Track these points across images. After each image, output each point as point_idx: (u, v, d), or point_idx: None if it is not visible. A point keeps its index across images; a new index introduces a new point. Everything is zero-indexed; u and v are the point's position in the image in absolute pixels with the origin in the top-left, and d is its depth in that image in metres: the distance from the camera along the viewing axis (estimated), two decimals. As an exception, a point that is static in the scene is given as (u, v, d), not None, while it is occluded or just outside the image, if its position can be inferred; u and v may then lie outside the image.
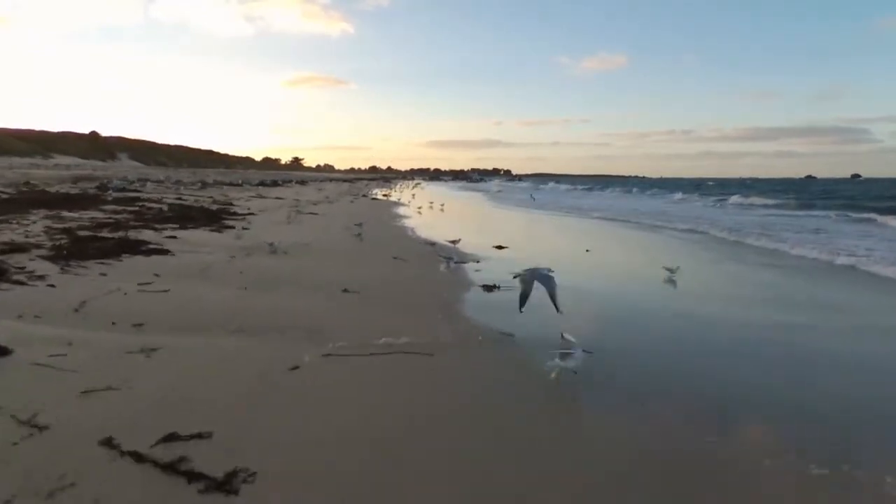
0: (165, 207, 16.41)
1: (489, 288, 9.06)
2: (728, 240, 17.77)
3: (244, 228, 13.71)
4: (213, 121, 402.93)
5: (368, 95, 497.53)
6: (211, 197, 22.89)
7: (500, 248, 14.44)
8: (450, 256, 11.10)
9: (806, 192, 57.96)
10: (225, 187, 32.02)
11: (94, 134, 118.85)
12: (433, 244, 13.21)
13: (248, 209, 19.33)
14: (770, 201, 41.75)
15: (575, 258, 13.56)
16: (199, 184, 29.86)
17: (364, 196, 38.47)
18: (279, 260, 10.02)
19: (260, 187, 35.15)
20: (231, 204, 20.64)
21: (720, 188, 73.72)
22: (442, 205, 31.58)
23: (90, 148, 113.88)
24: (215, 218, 15.28)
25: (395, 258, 11.35)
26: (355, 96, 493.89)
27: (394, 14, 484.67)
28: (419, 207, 28.14)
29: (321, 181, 71.84)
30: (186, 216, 14.83)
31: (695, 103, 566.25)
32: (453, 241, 13.79)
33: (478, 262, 11.76)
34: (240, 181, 36.96)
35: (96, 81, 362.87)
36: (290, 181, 51.30)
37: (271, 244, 10.66)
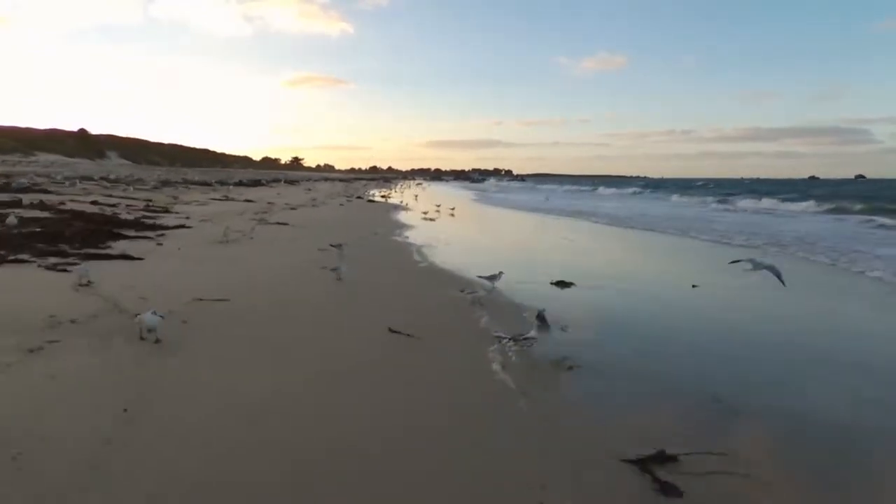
0: (18, 219, 10.40)
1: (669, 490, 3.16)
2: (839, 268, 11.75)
3: (131, 258, 7.78)
4: (213, 121, 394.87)
5: (368, 95, 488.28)
6: (148, 200, 16.99)
7: (562, 285, 8.67)
8: (530, 338, 5.28)
9: (829, 193, 50.02)
10: (191, 187, 26.10)
11: (82, 132, 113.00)
12: (474, 295, 7.16)
13: (186, 218, 13.45)
14: (804, 204, 35.20)
15: (691, 304, 7.76)
16: (155, 183, 24.04)
17: (359, 198, 32.52)
18: (121, 363, 4.09)
19: (233, 187, 29.24)
20: (167, 210, 14.75)
21: (733, 189, 65.05)
22: (452, 209, 25.77)
23: (78, 146, 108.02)
24: (106, 234, 9.39)
25: (393, 332, 5.46)
26: (355, 96, 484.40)
27: (393, 14, 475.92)
28: (425, 213, 22.25)
29: (315, 181, 65.91)
30: (52, 233, 8.94)
31: (695, 103, 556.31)
32: (490, 277, 7.89)
33: (564, 328, 5.94)
34: (213, 181, 31.15)
35: (96, 81, 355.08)
36: (278, 181, 45.18)
37: (135, 316, 4.74)
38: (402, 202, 29.43)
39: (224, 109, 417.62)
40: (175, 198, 19.25)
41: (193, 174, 44.34)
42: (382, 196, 37.68)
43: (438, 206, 26.98)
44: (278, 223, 14.64)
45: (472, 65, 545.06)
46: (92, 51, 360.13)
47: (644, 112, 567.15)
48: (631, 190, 67.62)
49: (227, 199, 21.88)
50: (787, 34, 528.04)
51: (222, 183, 30.00)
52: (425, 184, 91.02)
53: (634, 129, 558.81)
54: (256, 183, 35.87)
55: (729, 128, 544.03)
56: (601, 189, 70.63)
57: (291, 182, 46.21)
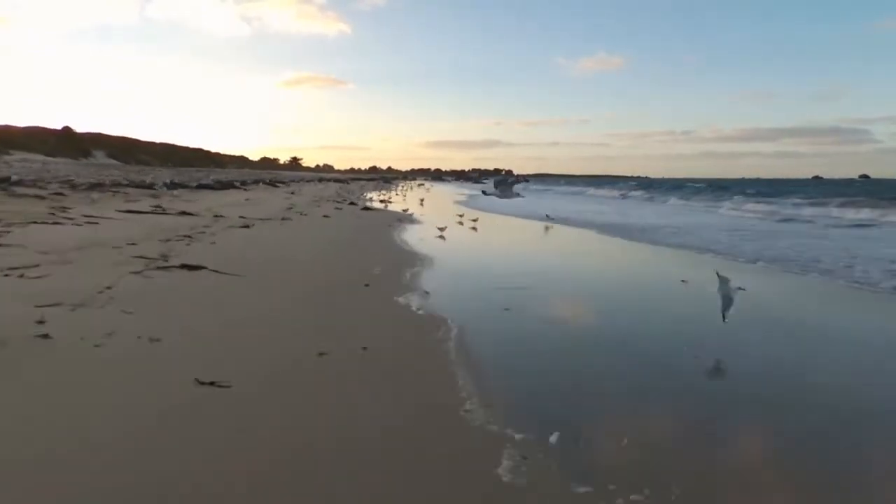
0: None
1: None
2: None
3: None
4: (213, 121, 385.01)
5: (367, 96, 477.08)
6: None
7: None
8: None
9: (868, 194, 41.24)
10: (120, 192, 19.01)
11: (66, 129, 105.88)
12: None
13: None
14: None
15: None
16: (59, 186, 16.99)
17: (353, 204, 25.49)
18: None
19: (191, 192, 22.21)
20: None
21: (758, 190, 55.82)
22: (474, 220, 18.97)
23: (61, 144, 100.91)
24: None
25: None
26: (354, 96, 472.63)
27: (390, 14, 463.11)
28: (443, 228, 15.29)
29: (308, 181, 58.94)
30: None
31: (694, 103, 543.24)
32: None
33: None
34: (166, 181, 24.03)
35: (95, 82, 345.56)
36: (259, 182, 37.90)
37: None
38: (406, 210, 22.44)
39: (223, 110, 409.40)
40: (59, 210, 12.23)
41: (163, 174, 37.20)
42: (382, 200, 30.67)
43: (461, 215, 20.14)
44: (185, 267, 7.63)
45: (471, 65, 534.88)
46: (88, 51, 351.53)
47: (644, 112, 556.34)
48: (638, 193, 58.50)
49: (156, 210, 14.85)
50: (787, 34, 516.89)
51: (173, 186, 22.93)
52: (427, 184, 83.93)
53: (634, 129, 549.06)
54: (227, 185, 28.77)
55: (729, 128, 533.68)
56: (604, 190, 63.72)
57: (274, 184, 38.99)
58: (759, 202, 36.39)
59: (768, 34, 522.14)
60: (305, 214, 18.05)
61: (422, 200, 32.43)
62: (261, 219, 15.06)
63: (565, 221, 20.80)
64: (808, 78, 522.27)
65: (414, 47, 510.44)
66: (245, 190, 28.07)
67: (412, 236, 14.21)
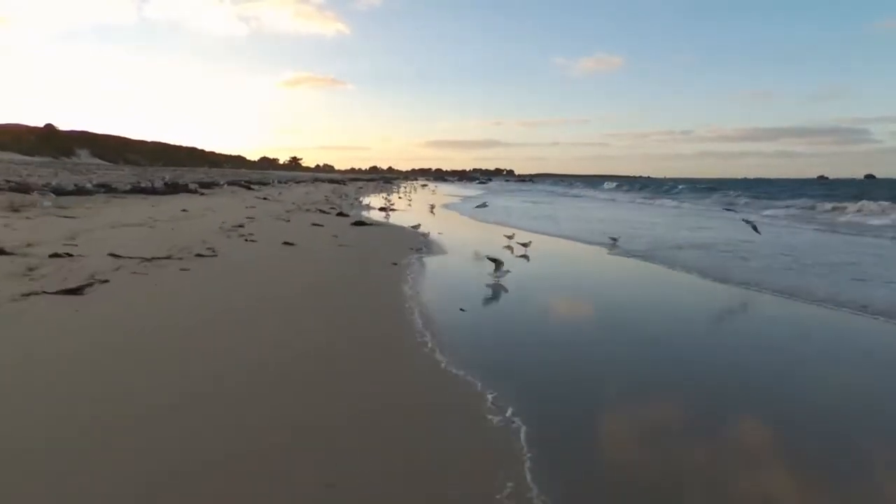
0: None
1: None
2: None
3: None
4: (212, 121, 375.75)
5: (366, 96, 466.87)
6: None
7: None
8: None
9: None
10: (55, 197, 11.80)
11: (49, 127, 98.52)
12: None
13: None
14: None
15: None
16: None
17: (342, 215, 18.18)
18: None
19: (108, 194, 15.01)
20: None
21: (780, 192, 48.62)
22: (526, 245, 11.82)
23: (41, 143, 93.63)
24: None
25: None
26: (353, 96, 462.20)
27: (388, 14, 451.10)
28: (498, 267, 8.00)
29: (300, 182, 51.64)
30: None
31: (694, 103, 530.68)
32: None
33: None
34: (90, 183, 16.98)
35: (95, 82, 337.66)
36: (227, 184, 30.09)
37: None
38: (417, 227, 15.15)
39: (222, 110, 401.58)
40: None
41: (110, 175, 29.95)
42: (382, 208, 23.37)
43: (511, 236, 12.98)
44: None
45: (470, 65, 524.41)
46: (85, 51, 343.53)
47: (643, 112, 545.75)
48: (642, 195, 50.92)
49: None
50: (787, 34, 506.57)
51: (99, 188, 15.49)
52: (431, 185, 76.50)
53: (634, 129, 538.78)
54: (178, 189, 21.40)
55: (729, 128, 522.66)
56: (605, 192, 58.84)
57: (249, 186, 31.49)
58: (785, 205, 30.97)
59: (768, 34, 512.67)
60: (255, 241, 10.79)
61: (432, 207, 25.21)
62: (152, 258, 7.81)
63: (630, 244, 13.49)
64: (808, 78, 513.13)
65: (412, 47, 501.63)
66: (201, 195, 20.81)
67: (437, 296, 7.00)
